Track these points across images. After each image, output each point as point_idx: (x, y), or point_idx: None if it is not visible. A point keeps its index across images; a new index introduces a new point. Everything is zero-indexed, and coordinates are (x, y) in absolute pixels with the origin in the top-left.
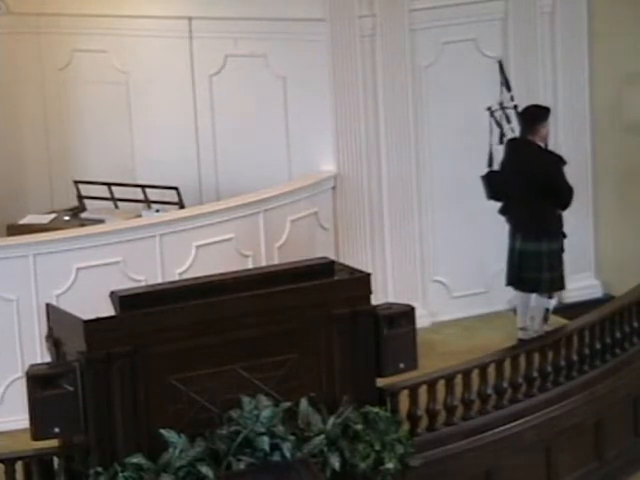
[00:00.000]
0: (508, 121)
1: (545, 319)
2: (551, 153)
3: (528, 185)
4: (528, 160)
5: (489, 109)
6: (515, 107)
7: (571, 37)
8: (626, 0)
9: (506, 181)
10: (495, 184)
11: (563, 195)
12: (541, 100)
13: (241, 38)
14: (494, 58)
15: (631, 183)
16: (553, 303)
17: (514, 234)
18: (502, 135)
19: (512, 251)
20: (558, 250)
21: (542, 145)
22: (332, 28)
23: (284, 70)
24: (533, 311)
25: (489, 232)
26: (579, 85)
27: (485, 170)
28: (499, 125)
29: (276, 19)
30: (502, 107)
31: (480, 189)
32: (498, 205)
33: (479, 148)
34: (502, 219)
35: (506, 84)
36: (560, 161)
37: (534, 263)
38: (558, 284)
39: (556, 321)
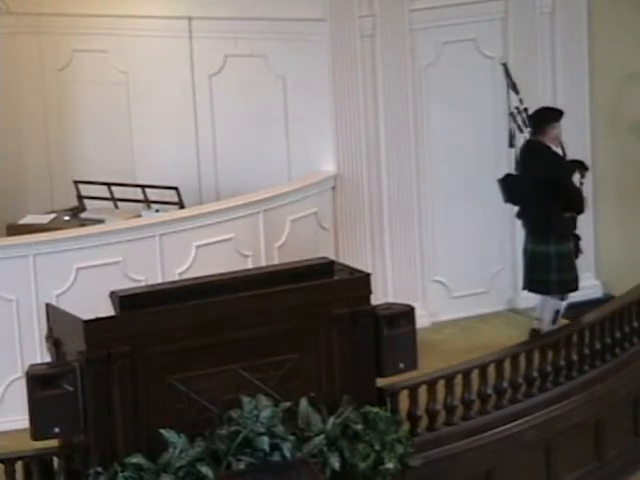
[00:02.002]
0: (525, 124)
1: (554, 320)
2: (557, 155)
3: (535, 186)
4: (535, 161)
5: (511, 114)
6: (525, 109)
7: (571, 37)
8: (626, 1)
9: (520, 183)
10: (511, 187)
11: (571, 198)
12: (541, 100)
13: (241, 38)
14: (494, 58)
15: (631, 183)
16: (564, 305)
17: (528, 236)
18: (512, 138)
19: (524, 253)
20: (568, 252)
21: (553, 146)
22: (332, 28)
23: (284, 70)
24: (543, 311)
25: (489, 232)
26: (579, 85)
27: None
28: (520, 129)
29: (276, 19)
30: (517, 110)
31: (481, 189)
32: (499, 205)
33: (479, 148)
34: (502, 219)
35: (513, 87)
36: (582, 166)
37: (542, 265)
38: (570, 285)
39: None
